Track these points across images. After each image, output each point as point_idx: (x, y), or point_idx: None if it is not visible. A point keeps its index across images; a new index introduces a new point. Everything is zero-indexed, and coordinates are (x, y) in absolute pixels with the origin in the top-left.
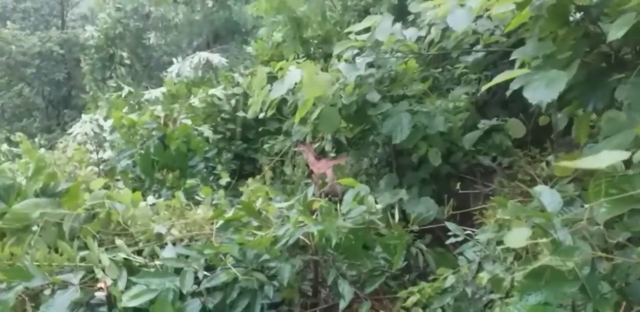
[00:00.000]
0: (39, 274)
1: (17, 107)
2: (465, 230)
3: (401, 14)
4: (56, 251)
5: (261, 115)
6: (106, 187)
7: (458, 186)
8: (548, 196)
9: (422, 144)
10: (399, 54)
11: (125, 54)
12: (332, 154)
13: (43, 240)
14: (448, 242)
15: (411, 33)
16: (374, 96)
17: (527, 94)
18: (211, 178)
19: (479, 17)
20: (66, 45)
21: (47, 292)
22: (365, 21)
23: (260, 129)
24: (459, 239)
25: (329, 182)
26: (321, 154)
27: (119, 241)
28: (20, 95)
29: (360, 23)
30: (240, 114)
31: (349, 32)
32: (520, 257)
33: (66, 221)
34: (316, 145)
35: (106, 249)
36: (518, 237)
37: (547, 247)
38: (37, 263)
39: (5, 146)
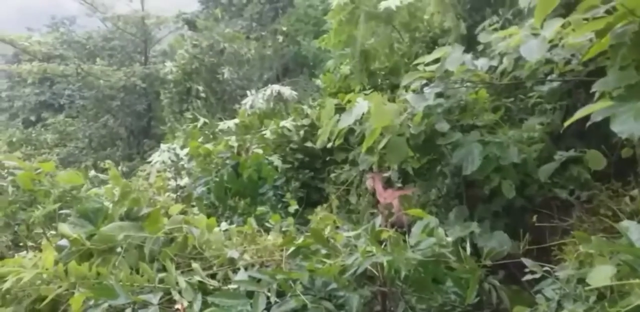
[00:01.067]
0: (123, 293)
1: (102, 136)
2: (542, 266)
3: (470, 44)
4: (137, 271)
5: (328, 145)
6: (183, 212)
7: (534, 219)
8: (636, 232)
9: (494, 176)
10: (468, 84)
11: (201, 88)
12: (399, 184)
13: (126, 261)
14: (524, 279)
15: (482, 63)
16: (443, 126)
17: (615, 127)
18: (279, 205)
19: (553, 46)
20: (148, 79)
21: (128, 311)
22: (435, 52)
23: (327, 158)
24: (536, 276)
25: (396, 212)
26: (387, 184)
27: (194, 265)
28: (106, 126)
29: (430, 54)
30: (308, 144)
31: (418, 64)
32: (604, 296)
33: (147, 244)
34: (386, 174)
35: (182, 272)
36: (602, 275)
37: (637, 287)
38: (121, 283)
39: (92, 172)
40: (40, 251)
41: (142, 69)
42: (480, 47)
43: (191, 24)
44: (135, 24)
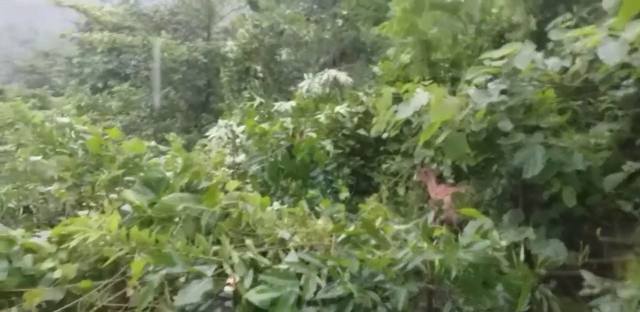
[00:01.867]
0: (181, 262)
1: (162, 108)
2: (603, 282)
3: (539, 41)
4: (193, 242)
5: (384, 136)
6: (238, 189)
7: (598, 232)
8: None
9: (555, 181)
10: (536, 83)
11: (259, 68)
12: (451, 181)
13: (183, 231)
14: (582, 293)
15: (554, 63)
16: (506, 125)
17: None
18: (329, 190)
19: (633, 49)
20: (209, 55)
21: (181, 279)
22: (504, 48)
23: (379, 147)
24: (595, 291)
25: (446, 209)
26: (439, 179)
27: (248, 241)
28: (167, 98)
29: (499, 50)
30: (361, 131)
31: (484, 58)
32: None
33: (204, 217)
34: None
35: (235, 247)
36: None
37: None
38: (178, 252)
39: (152, 143)
40: (102, 212)
41: (205, 44)
42: (550, 45)
43: (253, 4)
44: (200, 0)
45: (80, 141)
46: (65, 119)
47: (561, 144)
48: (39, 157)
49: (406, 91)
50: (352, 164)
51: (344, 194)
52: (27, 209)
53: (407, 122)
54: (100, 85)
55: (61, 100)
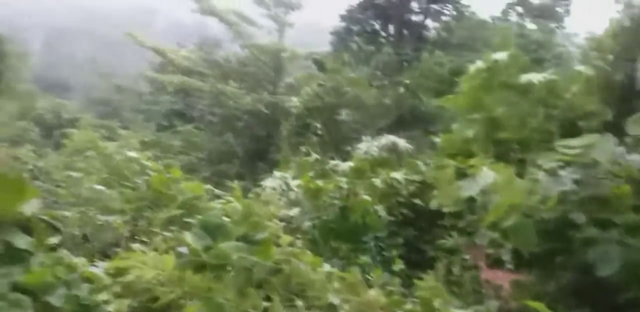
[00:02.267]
0: None
1: (222, 152)
2: None
3: (615, 133)
4: (243, 294)
5: (445, 209)
6: (290, 244)
7: None
8: None
9: (636, 285)
10: (612, 177)
11: (318, 125)
12: (510, 266)
13: (235, 281)
14: None
15: (637, 160)
16: (579, 217)
17: None
18: (379, 258)
19: None
20: (272, 108)
21: None
22: (583, 138)
23: (435, 220)
24: None
25: (505, 297)
26: (496, 263)
27: (299, 303)
28: (226, 143)
29: (577, 139)
30: (417, 201)
31: (559, 145)
32: None
33: (256, 269)
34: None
35: (285, 307)
36: None
37: None
38: (229, 303)
39: (208, 186)
40: (154, 249)
41: (269, 97)
42: (628, 139)
43: (319, 64)
44: (270, 55)
45: (144, 177)
46: (134, 154)
47: None
48: (103, 187)
49: (471, 166)
50: (405, 233)
51: (399, 265)
52: (84, 236)
53: (469, 198)
54: (165, 123)
55: (128, 133)
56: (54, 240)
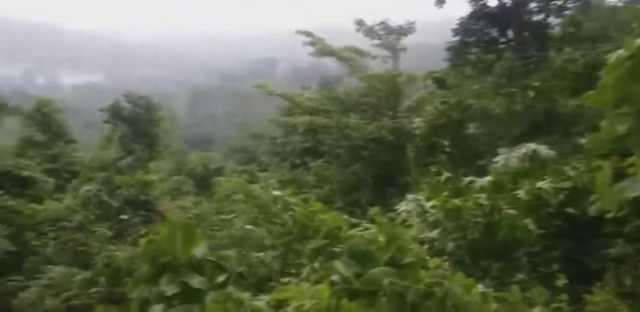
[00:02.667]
0: None
1: (352, 182)
2: None
3: None
4: None
5: (609, 215)
6: (438, 267)
7: None
8: None
9: None
10: None
11: (446, 143)
12: None
13: (389, 307)
14: None
15: None
16: None
17: None
18: (534, 275)
19: None
20: (395, 132)
21: None
22: None
23: (593, 229)
24: None
25: None
26: None
27: None
28: (355, 173)
29: None
30: (569, 210)
31: None
32: None
33: (409, 294)
34: None
35: None
36: None
37: None
38: None
39: (345, 216)
40: (304, 280)
41: (391, 123)
42: None
43: (440, 82)
44: (387, 82)
45: (289, 212)
46: (278, 192)
47: None
48: (253, 226)
49: (630, 165)
50: (562, 246)
51: (561, 280)
52: (240, 273)
53: (634, 200)
54: (298, 162)
55: (267, 175)
56: (221, 278)
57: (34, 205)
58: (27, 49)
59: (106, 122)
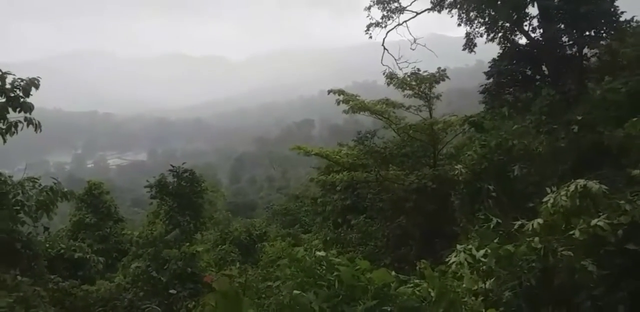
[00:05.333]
0: None
1: (397, 236)
2: None
3: None
4: None
5: None
6: None
7: None
8: None
9: None
10: None
11: (491, 187)
12: None
13: None
14: None
15: None
16: None
17: None
18: None
19: None
20: (437, 180)
21: None
22: None
23: None
24: None
25: None
26: None
27: None
28: (400, 226)
29: None
30: (631, 246)
31: None
32: None
33: None
34: None
35: None
36: None
37: None
38: None
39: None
40: None
41: (432, 171)
42: None
43: (478, 126)
44: (423, 131)
45: (335, 273)
46: (322, 253)
47: None
48: (300, 291)
49: None
50: (627, 286)
51: None
52: None
53: None
54: (340, 220)
55: (310, 236)
56: None
57: (86, 286)
58: (77, 136)
59: (153, 198)
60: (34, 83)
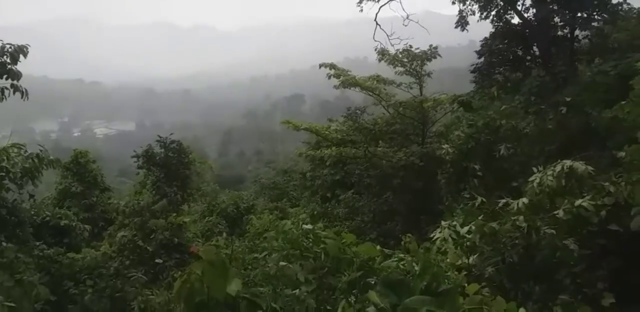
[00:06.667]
0: None
1: (384, 212)
2: None
3: None
4: None
5: None
6: (477, 293)
7: None
8: None
9: None
10: None
11: (477, 167)
12: None
13: None
14: None
15: None
16: None
17: None
18: (580, 296)
19: None
20: (425, 158)
21: None
22: None
23: (638, 244)
24: None
25: None
26: None
27: None
28: (387, 202)
29: None
30: (613, 227)
31: None
32: None
33: None
34: None
35: None
36: None
37: None
38: None
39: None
40: None
41: (420, 149)
42: None
43: (466, 105)
44: (414, 108)
45: (322, 245)
46: (309, 226)
47: None
48: (286, 263)
49: None
50: (607, 265)
51: (608, 299)
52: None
53: None
54: (328, 195)
55: (297, 210)
56: None
57: (72, 254)
58: (63, 105)
59: (140, 168)
60: (22, 50)
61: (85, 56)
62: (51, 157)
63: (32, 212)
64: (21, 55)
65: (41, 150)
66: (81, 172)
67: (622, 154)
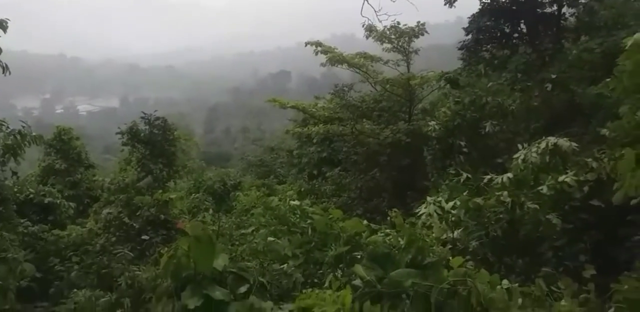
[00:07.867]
0: None
1: (370, 188)
2: None
3: None
4: None
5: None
6: (461, 265)
7: None
8: None
9: None
10: None
11: (463, 143)
12: None
13: (414, 308)
14: None
15: None
16: None
17: None
18: (561, 269)
19: None
20: (411, 135)
21: None
22: None
23: (621, 219)
24: None
25: None
26: None
27: None
28: (374, 179)
29: None
30: (595, 202)
31: None
32: None
33: (432, 294)
34: None
35: None
36: None
37: None
38: None
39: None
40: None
41: (407, 126)
42: None
43: (453, 82)
44: (401, 86)
45: (309, 221)
46: (296, 202)
47: None
48: (274, 238)
49: None
50: (589, 238)
51: (589, 271)
52: (262, 284)
53: None
54: (315, 172)
55: (284, 187)
56: (243, 289)
57: (57, 231)
58: (45, 81)
59: (124, 144)
60: (1, 25)
61: (65, 30)
62: (34, 134)
63: (15, 190)
64: (0, 30)
65: (23, 127)
66: (65, 149)
67: (605, 130)
